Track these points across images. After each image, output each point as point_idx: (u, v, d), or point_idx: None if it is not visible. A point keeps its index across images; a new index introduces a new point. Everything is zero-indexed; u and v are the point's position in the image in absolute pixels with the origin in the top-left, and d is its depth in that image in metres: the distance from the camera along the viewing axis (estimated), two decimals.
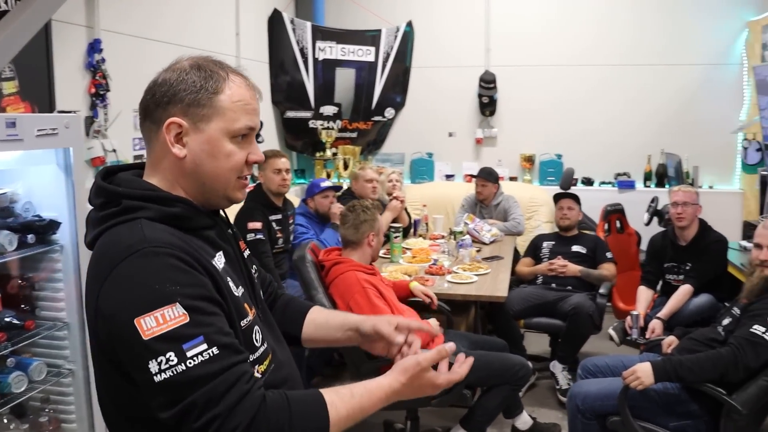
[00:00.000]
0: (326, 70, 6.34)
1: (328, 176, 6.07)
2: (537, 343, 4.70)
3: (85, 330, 2.35)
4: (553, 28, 6.24)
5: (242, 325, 1.25)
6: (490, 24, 6.38)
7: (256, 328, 1.30)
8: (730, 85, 5.91)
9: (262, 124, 5.18)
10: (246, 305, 1.29)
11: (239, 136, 1.26)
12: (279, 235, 4.08)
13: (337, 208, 4.33)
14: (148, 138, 1.28)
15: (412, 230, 5.23)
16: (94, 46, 3.70)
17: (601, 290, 4.21)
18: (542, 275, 4.47)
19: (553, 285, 4.37)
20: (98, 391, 1.30)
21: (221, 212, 1.38)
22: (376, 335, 1.49)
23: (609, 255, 4.44)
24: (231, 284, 1.26)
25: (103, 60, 3.72)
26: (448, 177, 6.63)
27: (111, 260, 1.14)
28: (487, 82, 6.39)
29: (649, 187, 6.06)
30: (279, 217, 4.09)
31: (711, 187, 5.92)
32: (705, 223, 4.05)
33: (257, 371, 1.26)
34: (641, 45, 6.05)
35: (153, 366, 1.07)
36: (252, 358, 1.25)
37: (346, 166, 6.23)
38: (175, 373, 1.07)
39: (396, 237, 4.36)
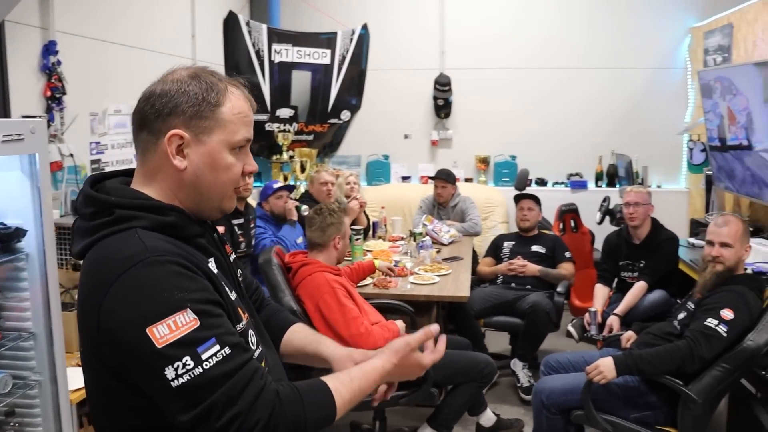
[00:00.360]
0: (282, 72, 6.32)
1: (285, 179, 6.05)
2: (497, 341, 4.78)
3: (53, 340, 2.32)
4: (508, 33, 6.35)
5: (238, 329, 1.26)
6: (444, 27, 6.46)
7: (251, 331, 1.32)
8: (675, 88, 6.13)
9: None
10: (240, 309, 1.30)
11: (237, 147, 1.28)
12: (241, 239, 4.07)
13: (292, 204, 4.39)
14: (144, 148, 1.26)
15: (371, 232, 5.27)
16: (49, 48, 3.61)
17: (559, 289, 4.31)
18: (502, 275, 4.56)
19: (513, 284, 4.47)
20: (93, 405, 1.29)
21: (209, 223, 1.39)
22: None
23: (568, 254, 4.55)
24: (226, 288, 1.28)
25: (59, 62, 3.64)
26: (405, 179, 6.69)
27: (111, 272, 1.13)
28: (442, 85, 6.47)
29: (600, 186, 6.24)
30: (241, 221, 4.08)
31: (659, 187, 6.13)
32: (657, 222, 4.20)
33: None
34: (592, 50, 6.22)
35: (169, 372, 1.08)
36: None
37: (303, 169, 6.22)
38: (192, 376, 1.09)
39: (357, 239, 4.38)
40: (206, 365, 1.10)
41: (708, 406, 2.75)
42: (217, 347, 1.12)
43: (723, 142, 4.70)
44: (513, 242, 4.74)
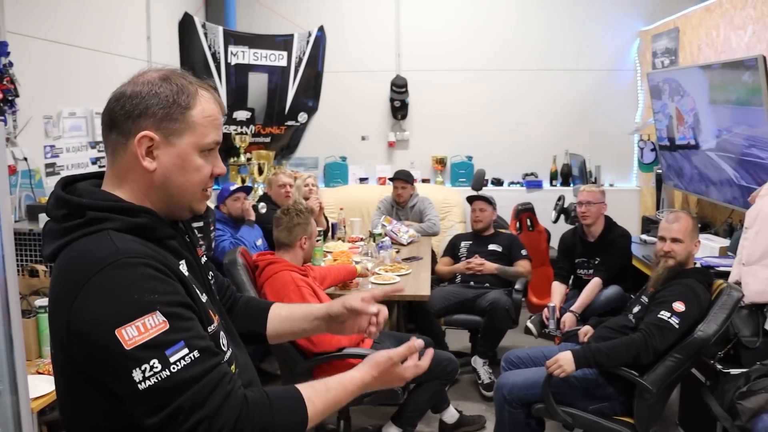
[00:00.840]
0: (239, 74, 6.28)
1: (243, 181, 6.02)
2: (457, 339, 4.85)
3: (13, 349, 2.28)
4: (463, 36, 6.44)
5: (210, 330, 1.26)
6: (400, 30, 6.52)
7: (221, 333, 1.33)
8: (625, 90, 6.32)
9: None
10: (210, 312, 1.31)
11: (207, 150, 1.29)
12: (201, 242, 4.03)
13: (248, 204, 4.41)
14: (114, 150, 1.27)
15: (330, 233, 5.28)
16: (1, 50, 3.54)
17: (517, 286, 4.40)
18: (461, 274, 4.62)
19: (472, 283, 4.54)
20: (63, 406, 1.28)
21: (182, 224, 1.40)
22: (348, 312, 1.55)
23: (524, 252, 4.64)
24: (197, 291, 1.28)
25: (11, 64, 3.57)
26: (362, 180, 6.72)
27: (83, 273, 1.14)
28: (399, 87, 6.52)
29: (555, 186, 6.37)
30: (201, 224, 4.05)
31: (612, 185, 6.30)
32: (610, 220, 4.33)
33: None
34: (545, 52, 6.35)
35: (137, 374, 1.09)
36: None
37: (261, 171, 6.20)
38: (159, 379, 1.09)
39: (317, 240, 4.39)
40: (174, 368, 1.10)
41: (662, 395, 2.86)
42: (186, 350, 1.12)
43: (672, 142, 4.86)
44: (470, 242, 4.82)
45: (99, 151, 4.46)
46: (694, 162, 4.54)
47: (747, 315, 3.11)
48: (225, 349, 1.31)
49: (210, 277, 1.46)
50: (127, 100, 1.24)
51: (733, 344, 3.10)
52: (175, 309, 1.15)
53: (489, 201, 4.82)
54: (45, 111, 3.91)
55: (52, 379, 2.54)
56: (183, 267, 1.28)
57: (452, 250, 4.88)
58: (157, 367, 1.09)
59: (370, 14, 6.54)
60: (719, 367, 3.04)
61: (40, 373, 2.57)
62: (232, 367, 1.32)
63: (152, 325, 1.10)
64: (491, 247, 4.70)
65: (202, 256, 1.45)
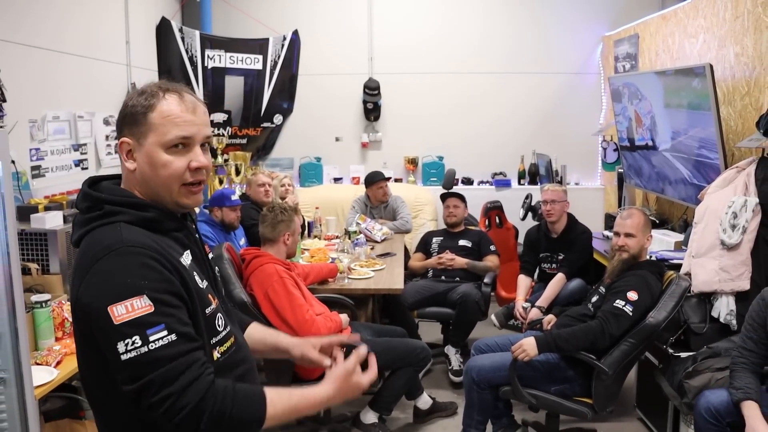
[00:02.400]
0: (215, 77, 6.44)
1: (221, 182, 6.18)
2: (429, 331, 5.07)
3: (18, 341, 2.43)
4: (434, 40, 6.66)
5: (207, 312, 1.46)
6: (372, 34, 6.71)
7: (219, 315, 1.52)
8: (590, 92, 6.60)
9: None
10: (210, 295, 1.50)
11: (175, 146, 1.43)
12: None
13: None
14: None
15: (306, 232, 5.46)
16: None
17: (486, 280, 4.63)
18: (432, 269, 4.84)
19: (443, 277, 4.76)
20: (82, 375, 1.49)
21: (190, 219, 1.59)
22: (306, 361, 1.77)
23: (492, 248, 4.87)
24: (197, 278, 1.47)
25: None
26: (336, 180, 6.90)
27: (92, 257, 1.35)
28: (372, 89, 6.71)
29: (523, 185, 6.62)
30: None
31: (577, 184, 6.58)
32: (573, 217, 4.58)
33: (218, 351, 1.48)
34: (514, 56, 6.60)
35: (121, 346, 1.28)
36: (214, 340, 1.48)
37: (237, 172, 6.36)
38: (138, 353, 1.28)
39: None
40: (152, 346, 1.28)
41: (618, 377, 3.11)
42: (165, 333, 1.30)
43: (632, 143, 5.13)
44: (441, 237, 5.03)
45: (82, 153, 4.59)
46: (652, 162, 4.81)
47: (695, 303, 3.38)
48: (221, 329, 1.51)
49: (216, 270, 1.65)
50: (120, 110, 1.46)
51: (683, 330, 3.36)
52: (162, 296, 1.32)
53: (462, 198, 5.04)
54: (30, 115, 4.03)
55: (49, 369, 2.71)
56: (187, 256, 1.47)
57: (424, 246, 5.09)
58: (137, 343, 1.28)
59: (344, 19, 6.71)
60: (671, 351, 3.30)
61: (38, 364, 2.71)
62: (227, 344, 1.51)
63: (139, 306, 1.29)
64: (461, 242, 4.92)
65: (209, 253, 1.64)
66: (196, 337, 1.38)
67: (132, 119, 1.43)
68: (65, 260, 3.36)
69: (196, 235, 1.59)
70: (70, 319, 3.06)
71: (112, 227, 1.39)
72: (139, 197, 1.45)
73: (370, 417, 3.50)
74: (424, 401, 3.83)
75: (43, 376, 2.63)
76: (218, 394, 1.34)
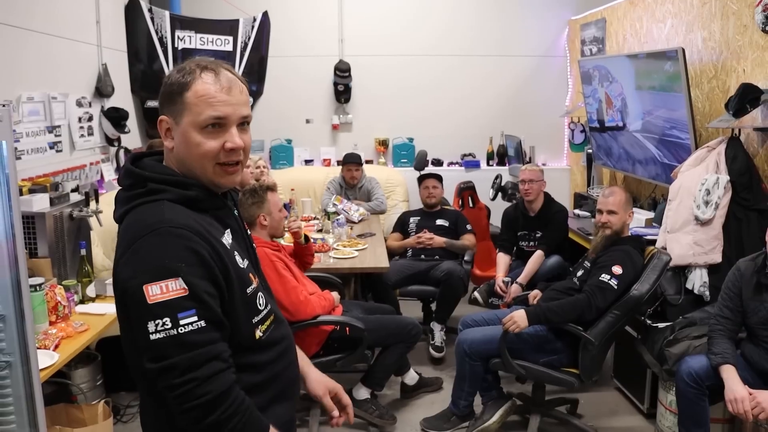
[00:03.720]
0: (186, 59, 6.23)
1: None
2: (409, 311, 5.14)
3: (24, 321, 2.42)
4: (404, 21, 6.71)
5: (248, 291, 1.48)
6: (343, 15, 6.71)
7: (260, 293, 1.54)
8: (557, 75, 6.75)
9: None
10: (250, 275, 1.52)
11: (210, 125, 1.42)
12: None
13: None
14: None
15: None
16: None
17: (466, 258, 4.73)
18: (411, 248, 4.93)
19: (423, 256, 4.85)
20: (123, 342, 1.48)
21: (231, 196, 1.61)
22: (315, 398, 1.82)
23: (469, 227, 4.98)
24: (237, 257, 1.48)
25: None
26: (308, 162, 6.92)
27: (134, 235, 1.36)
28: (342, 71, 6.73)
29: (492, 166, 6.76)
30: None
31: (545, 165, 6.69)
32: (549, 196, 4.72)
33: (260, 330, 1.51)
34: (482, 39, 6.70)
35: (151, 326, 1.30)
36: (256, 319, 1.50)
37: None
38: (167, 335, 1.29)
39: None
40: (181, 330, 1.30)
41: (602, 348, 3.26)
42: (195, 318, 1.31)
43: (602, 124, 5.30)
44: (419, 218, 5.12)
45: (56, 135, 4.51)
46: (622, 142, 4.99)
47: (671, 276, 3.56)
48: (262, 307, 1.53)
49: (254, 248, 1.68)
50: (161, 88, 1.47)
51: (660, 302, 3.54)
52: (198, 281, 1.33)
53: (440, 179, 5.12)
54: (3, 96, 3.94)
55: (50, 353, 2.71)
56: (228, 235, 1.49)
57: (402, 226, 5.18)
58: (167, 325, 1.29)
59: (314, 1, 6.70)
60: (649, 322, 3.47)
61: (38, 348, 2.70)
62: (268, 322, 1.54)
63: (173, 288, 1.30)
64: (439, 222, 5.01)
65: (247, 229, 1.66)
66: (225, 326, 1.39)
67: (169, 98, 1.43)
68: (53, 243, 3.33)
69: (236, 214, 1.60)
70: (63, 303, 3.07)
71: (156, 205, 1.39)
72: (181, 175, 1.45)
73: (362, 393, 3.58)
74: (411, 377, 3.92)
75: (45, 360, 2.63)
76: (239, 398, 1.36)
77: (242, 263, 1.49)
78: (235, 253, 1.48)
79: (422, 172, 5.39)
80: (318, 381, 1.81)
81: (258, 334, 1.50)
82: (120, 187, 1.49)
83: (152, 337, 1.29)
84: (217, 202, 1.52)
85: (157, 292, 1.30)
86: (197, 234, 1.37)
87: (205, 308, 1.33)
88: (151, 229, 1.35)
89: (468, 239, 4.90)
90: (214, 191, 1.50)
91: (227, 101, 1.43)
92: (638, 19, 5.10)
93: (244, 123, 1.47)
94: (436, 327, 4.54)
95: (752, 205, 3.45)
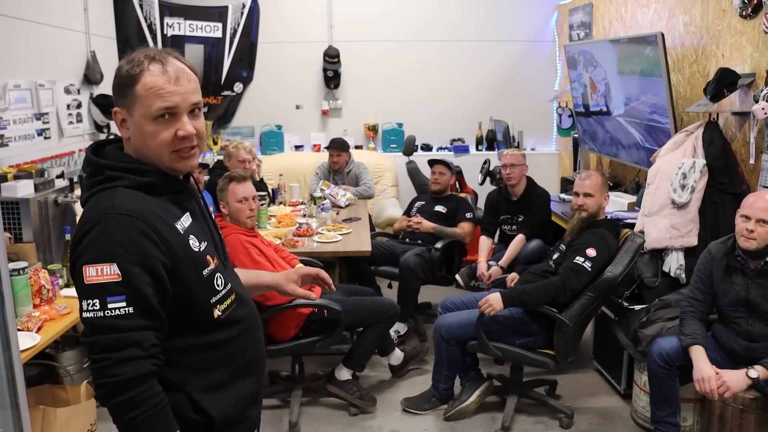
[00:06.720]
0: (175, 46, 6.36)
1: None
2: (392, 294, 5.20)
3: (4, 306, 2.47)
4: (392, 7, 6.72)
5: (204, 273, 1.52)
6: (332, 1, 6.71)
7: (218, 274, 1.57)
8: (545, 60, 6.77)
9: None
10: (208, 257, 1.56)
11: (160, 116, 1.45)
12: None
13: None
14: None
15: (271, 199, 5.53)
16: None
17: (437, 245, 4.68)
18: (402, 230, 4.99)
19: (407, 239, 4.91)
20: None
21: (192, 180, 1.65)
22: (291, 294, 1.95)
23: (468, 215, 4.94)
24: (192, 241, 1.52)
25: None
26: (297, 147, 6.94)
27: (87, 220, 1.44)
28: (331, 57, 6.74)
29: (480, 150, 6.79)
30: None
31: (533, 149, 6.77)
32: (532, 180, 4.75)
33: (218, 309, 1.55)
34: (471, 23, 6.71)
35: (84, 304, 1.38)
36: (214, 299, 1.55)
37: (215, 142, 6.39)
38: (94, 315, 1.37)
39: (262, 204, 4.64)
40: (107, 313, 1.36)
41: (577, 329, 3.32)
42: (123, 304, 1.36)
43: (586, 109, 5.33)
44: (423, 202, 5.15)
45: (44, 122, 4.55)
46: (606, 127, 5.02)
47: (648, 259, 3.60)
48: (220, 288, 1.57)
49: (218, 229, 1.72)
50: (113, 79, 1.51)
51: (637, 285, 3.59)
52: (134, 268, 1.38)
53: (449, 165, 5.12)
54: None
55: (32, 334, 2.76)
56: (186, 219, 1.53)
57: (408, 209, 5.24)
58: (96, 306, 1.36)
59: None
60: (626, 304, 3.52)
61: (19, 330, 2.76)
62: (227, 301, 1.58)
63: (107, 272, 1.36)
64: (437, 208, 5.01)
65: (212, 213, 1.71)
66: (158, 316, 1.42)
67: (120, 91, 1.47)
68: (38, 229, 3.38)
69: (199, 196, 1.65)
70: (47, 287, 3.12)
71: (109, 192, 1.45)
72: (138, 162, 1.50)
73: (344, 374, 3.63)
74: (397, 357, 3.94)
75: (26, 341, 2.68)
76: (152, 390, 1.39)
77: (198, 246, 1.53)
78: (191, 236, 1.52)
79: (432, 158, 5.35)
80: (282, 282, 1.97)
81: (216, 313, 1.54)
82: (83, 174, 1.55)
83: (84, 315, 1.38)
84: (176, 186, 1.56)
85: (92, 273, 1.37)
86: (145, 221, 1.42)
87: (136, 296, 1.38)
88: (101, 215, 1.41)
89: (462, 227, 4.88)
90: (174, 175, 1.54)
91: (176, 91, 1.46)
92: (623, 3, 5.12)
93: (194, 109, 1.51)
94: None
95: (728, 188, 3.48)
